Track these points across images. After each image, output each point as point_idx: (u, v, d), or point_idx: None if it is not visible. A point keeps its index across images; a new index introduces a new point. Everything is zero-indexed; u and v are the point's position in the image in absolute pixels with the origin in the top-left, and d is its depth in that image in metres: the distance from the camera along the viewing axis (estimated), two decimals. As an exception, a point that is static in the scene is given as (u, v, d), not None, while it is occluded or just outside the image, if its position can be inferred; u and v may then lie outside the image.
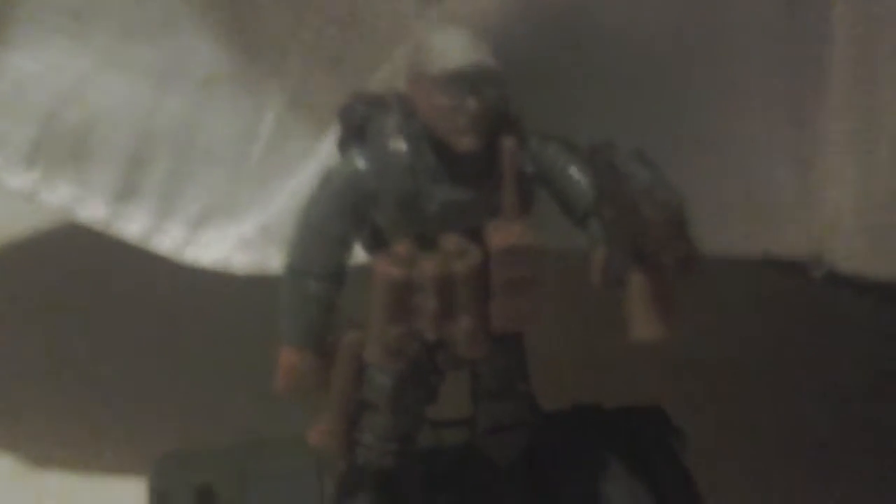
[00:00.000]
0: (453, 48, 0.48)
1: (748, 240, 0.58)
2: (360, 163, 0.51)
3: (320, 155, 0.62)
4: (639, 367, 0.57)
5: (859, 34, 0.51)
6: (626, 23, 0.55)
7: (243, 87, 0.63)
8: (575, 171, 0.51)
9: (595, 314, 0.58)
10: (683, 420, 0.61)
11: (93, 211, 0.64)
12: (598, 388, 0.64)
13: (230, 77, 0.63)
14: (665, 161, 0.49)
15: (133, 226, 0.64)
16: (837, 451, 0.65)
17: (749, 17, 0.54)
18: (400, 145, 0.50)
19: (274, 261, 0.63)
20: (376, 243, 0.53)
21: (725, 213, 0.57)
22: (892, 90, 0.52)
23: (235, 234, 0.64)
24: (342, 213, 0.51)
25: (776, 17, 0.53)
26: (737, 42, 0.55)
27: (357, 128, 0.52)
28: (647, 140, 0.50)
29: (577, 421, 0.62)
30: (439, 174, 0.50)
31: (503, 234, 0.49)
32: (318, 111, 0.63)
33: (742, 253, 0.58)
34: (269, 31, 0.62)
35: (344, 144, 0.54)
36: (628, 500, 0.57)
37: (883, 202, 0.53)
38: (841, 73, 0.52)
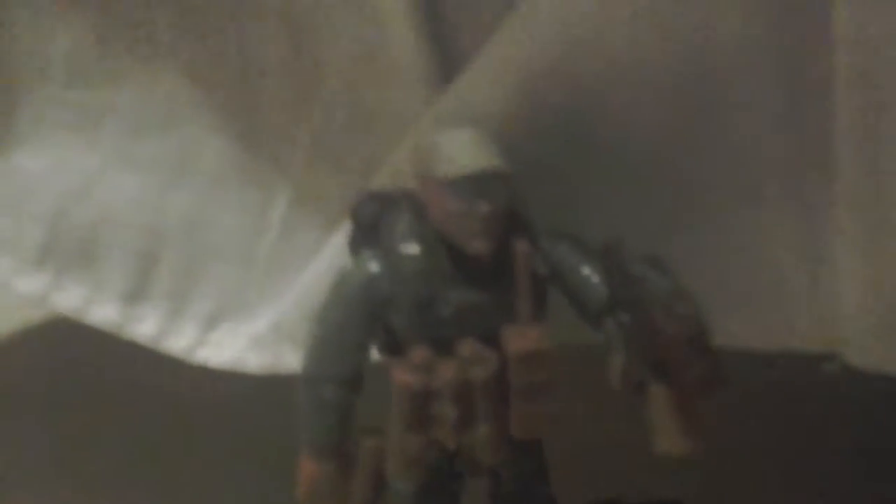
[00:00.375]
0: (461, 152, 0.48)
1: (759, 333, 0.57)
2: (374, 267, 0.50)
3: (330, 249, 0.62)
4: (654, 459, 0.57)
5: (864, 124, 0.50)
6: (631, 118, 0.55)
7: (250, 182, 0.63)
8: (587, 271, 0.50)
9: (611, 407, 0.58)
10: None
11: (104, 314, 0.64)
12: (616, 481, 0.63)
13: (237, 171, 0.63)
14: (673, 257, 0.48)
15: (144, 327, 0.64)
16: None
17: (753, 112, 0.54)
18: (413, 249, 0.50)
19: (287, 359, 0.63)
20: (390, 345, 0.52)
21: (736, 306, 0.57)
22: None
23: (247, 332, 0.64)
24: (357, 319, 0.51)
25: (780, 110, 0.53)
26: (742, 138, 0.54)
27: (369, 227, 0.52)
28: (655, 236, 0.50)
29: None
30: (453, 277, 0.50)
31: (520, 339, 0.48)
32: (324, 205, 0.63)
33: (754, 346, 0.57)
34: (273, 126, 0.63)
35: (355, 244, 0.53)
36: None
37: (894, 295, 0.53)
38: (847, 164, 0.52)
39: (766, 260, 0.56)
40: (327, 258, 0.61)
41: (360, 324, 0.51)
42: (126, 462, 0.74)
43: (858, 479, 0.65)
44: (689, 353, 0.43)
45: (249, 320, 0.64)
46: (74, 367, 0.83)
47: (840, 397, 0.67)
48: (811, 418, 0.69)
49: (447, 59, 0.57)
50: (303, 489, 0.52)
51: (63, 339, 0.68)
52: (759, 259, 0.56)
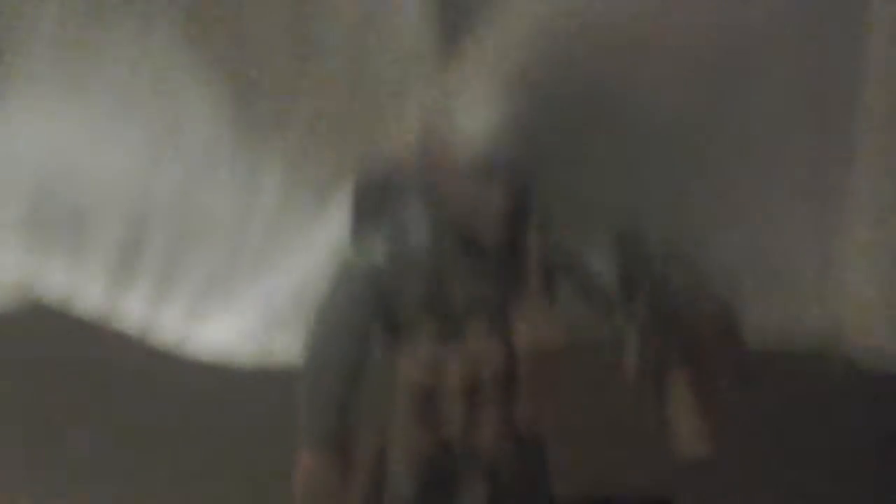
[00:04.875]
0: (479, 132, 0.47)
1: (770, 323, 0.57)
2: (380, 259, 0.49)
3: (325, 231, 0.60)
4: (649, 456, 0.56)
5: (890, 129, 0.50)
6: (654, 93, 0.54)
7: (242, 157, 0.61)
8: (598, 264, 0.50)
9: (613, 404, 0.57)
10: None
11: (90, 302, 0.62)
12: (613, 477, 0.62)
13: (228, 146, 0.61)
14: (688, 239, 0.47)
15: (131, 317, 0.62)
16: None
17: (778, 100, 0.53)
18: (422, 241, 0.48)
19: (278, 349, 0.61)
20: (393, 337, 0.50)
21: (747, 296, 0.56)
22: None
23: (236, 320, 0.62)
24: (361, 311, 0.49)
25: (805, 103, 0.53)
26: (765, 125, 0.54)
27: (372, 214, 0.51)
28: (671, 219, 0.49)
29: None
30: (463, 266, 0.48)
31: (530, 332, 0.47)
32: (319, 182, 0.61)
33: (763, 335, 0.56)
34: (267, 100, 0.61)
35: (357, 231, 0.52)
36: None
37: None
38: (868, 165, 0.51)
39: (779, 251, 0.55)
40: (320, 240, 0.59)
41: (364, 316, 0.49)
42: (108, 451, 0.72)
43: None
44: (720, 346, 0.41)
45: (239, 307, 0.62)
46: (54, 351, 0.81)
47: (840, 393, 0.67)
48: (808, 414, 0.68)
49: (454, 27, 0.55)
50: (300, 485, 0.50)
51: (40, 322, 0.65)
52: (771, 249, 0.55)
